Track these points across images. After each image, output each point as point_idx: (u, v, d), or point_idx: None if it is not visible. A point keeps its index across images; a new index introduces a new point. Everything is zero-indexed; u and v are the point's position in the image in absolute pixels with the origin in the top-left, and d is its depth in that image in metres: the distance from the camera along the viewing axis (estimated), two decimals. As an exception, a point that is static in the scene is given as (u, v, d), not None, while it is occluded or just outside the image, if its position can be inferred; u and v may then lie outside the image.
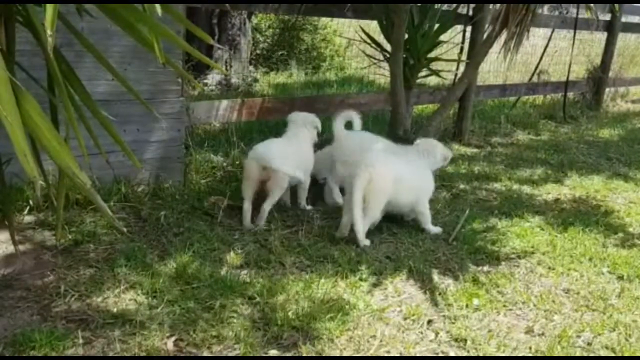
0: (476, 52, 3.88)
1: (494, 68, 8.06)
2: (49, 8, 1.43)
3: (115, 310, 2.14)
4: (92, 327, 2.05)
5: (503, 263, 2.78)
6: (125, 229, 2.56)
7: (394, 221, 3.19)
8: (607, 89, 7.84)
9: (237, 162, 3.95)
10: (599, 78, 7.53)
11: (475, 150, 5.05)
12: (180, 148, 3.49)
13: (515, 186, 3.99)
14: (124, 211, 3.07)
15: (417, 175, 3.06)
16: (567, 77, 6.89)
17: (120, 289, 2.28)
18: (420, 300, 2.39)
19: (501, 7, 3.03)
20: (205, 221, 3.04)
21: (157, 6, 1.61)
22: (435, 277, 2.60)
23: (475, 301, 2.36)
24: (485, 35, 3.80)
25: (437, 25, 3.74)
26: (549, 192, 3.93)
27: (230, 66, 7.69)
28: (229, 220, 3.09)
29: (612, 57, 7.64)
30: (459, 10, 4.88)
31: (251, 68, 8.46)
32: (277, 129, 4.62)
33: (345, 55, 9.83)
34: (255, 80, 7.87)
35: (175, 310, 2.15)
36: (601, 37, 7.65)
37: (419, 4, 3.73)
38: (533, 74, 6.89)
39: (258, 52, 9.17)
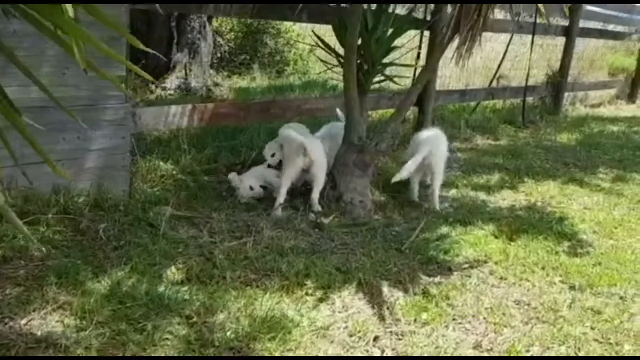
0: (429, 57, 3.82)
1: (456, 73, 8.09)
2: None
3: (39, 333, 2.00)
4: (14, 353, 1.90)
5: (455, 273, 2.72)
6: (44, 248, 2.41)
7: (347, 232, 3.11)
8: (566, 94, 7.94)
9: (188, 170, 3.82)
10: (557, 83, 7.61)
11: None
12: (125, 156, 3.33)
13: (471, 193, 3.95)
14: (62, 224, 2.90)
15: None
16: (526, 82, 6.94)
17: (47, 309, 2.13)
18: (368, 315, 2.31)
19: (453, 11, 2.98)
20: (148, 233, 2.89)
21: (68, 6, 1.48)
22: (385, 289, 2.52)
23: (424, 315, 2.29)
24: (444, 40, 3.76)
25: (391, 30, 3.67)
26: (504, 198, 3.91)
27: (190, 70, 7.52)
28: (174, 232, 2.94)
29: (570, 62, 7.74)
30: (416, 15, 4.85)
31: (212, 72, 8.30)
32: (234, 135, 4.52)
33: (308, 60, 9.75)
34: (216, 84, 7.72)
35: (104, 332, 2.01)
36: (562, 41, 7.75)
37: (373, 7, 3.66)
38: (492, 79, 6.93)
39: (220, 55, 9.02)
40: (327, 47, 3.69)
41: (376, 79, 3.94)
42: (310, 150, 3.32)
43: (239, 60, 9.18)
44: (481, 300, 2.47)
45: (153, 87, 6.84)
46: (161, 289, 2.33)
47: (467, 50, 3.05)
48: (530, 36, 6.67)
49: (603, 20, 9.21)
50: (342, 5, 3.65)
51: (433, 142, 3.65)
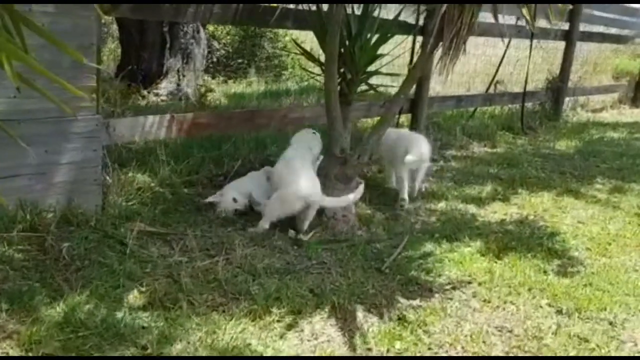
0: (413, 65, 3.68)
1: (457, 77, 7.94)
2: None
3: (-20, 367, 1.87)
4: (-49, 389, 1.77)
5: (436, 295, 2.57)
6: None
7: (327, 249, 2.97)
8: (567, 99, 7.77)
9: (167, 182, 3.69)
10: (557, 88, 7.45)
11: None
12: (97, 169, 3.19)
13: (461, 205, 3.80)
14: (26, 242, 2.77)
15: None
16: (525, 87, 6.78)
17: (-7, 340, 2.00)
18: (338, 344, 2.17)
19: (435, 19, 2.83)
20: (116, 252, 2.75)
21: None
22: (360, 314, 2.37)
23: (398, 344, 2.15)
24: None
25: (376, 36, 3.52)
26: (495, 211, 3.75)
27: (183, 75, 7.40)
28: (144, 250, 2.80)
29: (570, 66, 7.58)
30: (408, 20, 4.70)
31: (207, 77, 8.19)
32: (219, 144, 4.37)
33: (305, 64, 9.61)
34: (210, 90, 7.59)
35: (49, 366, 1.88)
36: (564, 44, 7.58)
37: (358, 10, 3.51)
38: (490, 85, 6.77)
39: (216, 60, 8.91)
40: (308, 55, 3.55)
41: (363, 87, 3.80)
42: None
43: (236, 64, 9.07)
44: (461, 326, 2.32)
45: (145, 92, 6.74)
46: (119, 315, 2.20)
47: (451, 59, 2.90)
48: (538, 41, 6.52)
49: (605, 24, 9.04)
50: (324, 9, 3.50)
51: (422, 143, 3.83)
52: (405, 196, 3.67)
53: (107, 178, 3.34)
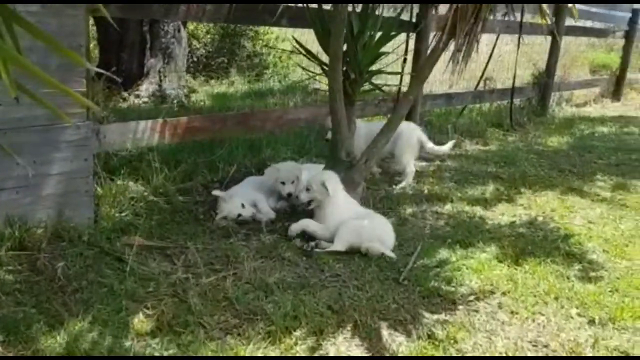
0: (421, 66, 3.54)
1: (440, 76, 7.83)
2: None
3: (-23, 411, 1.67)
4: None
5: (460, 308, 2.43)
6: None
7: (338, 260, 2.81)
8: (552, 94, 7.74)
9: (160, 191, 3.49)
10: (544, 83, 7.41)
11: (423, 164, 4.74)
12: (89, 179, 2.98)
13: (467, 207, 3.68)
14: (16, 261, 2.55)
15: None
16: (513, 84, 6.70)
17: (-11, 377, 1.80)
18: (367, 367, 2.02)
19: (447, 14, 2.70)
20: (114, 270, 2.56)
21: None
22: (385, 332, 2.22)
23: (432, 366, 2.01)
24: (430, 46, 3.50)
25: (378, 35, 3.38)
26: (502, 213, 3.64)
27: (164, 76, 7.14)
28: (144, 267, 2.61)
29: (557, 61, 7.54)
30: (404, 18, 4.56)
31: (188, 77, 7.95)
32: (212, 149, 4.17)
33: (288, 62, 9.42)
34: (193, 90, 7.36)
35: (56, 407, 1.69)
36: (542, 38, 7.54)
37: (358, 9, 3.36)
38: (479, 82, 6.66)
39: (195, 59, 8.67)
40: (310, 55, 3.38)
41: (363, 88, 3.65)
42: None
43: (216, 64, 8.84)
44: (493, 342, 2.19)
45: (126, 94, 6.49)
46: (127, 344, 2.01)
47: (464, 56, 2.77)
48: (511, 35, 6.42)
49: (587, 18, 9.05)
50: (325, 8, 3.34)
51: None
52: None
53: (98, 188, 3.14)
